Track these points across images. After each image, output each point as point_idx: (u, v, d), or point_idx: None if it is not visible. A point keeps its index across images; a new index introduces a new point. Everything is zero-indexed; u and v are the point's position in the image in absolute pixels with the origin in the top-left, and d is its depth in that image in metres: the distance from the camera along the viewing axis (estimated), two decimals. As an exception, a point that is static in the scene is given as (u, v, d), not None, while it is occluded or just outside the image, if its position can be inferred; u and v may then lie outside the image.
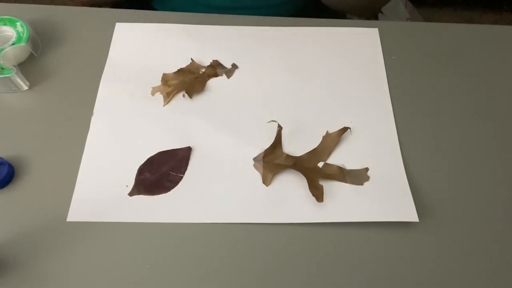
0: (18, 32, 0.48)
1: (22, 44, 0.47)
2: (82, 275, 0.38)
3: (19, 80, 0.46)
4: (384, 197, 0.42)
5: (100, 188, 0.42)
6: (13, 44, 0.47)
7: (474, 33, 0.55)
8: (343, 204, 0.41)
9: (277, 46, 0.53)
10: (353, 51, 0.52)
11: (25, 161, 0.43)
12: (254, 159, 0.44)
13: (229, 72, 0.50)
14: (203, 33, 0.53)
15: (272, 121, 0.46)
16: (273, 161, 0.44)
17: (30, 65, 0.49)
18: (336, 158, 0.44)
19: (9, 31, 0.48)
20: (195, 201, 0.41)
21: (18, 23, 0.49)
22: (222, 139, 0.45)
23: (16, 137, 0.44)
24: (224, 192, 0.42)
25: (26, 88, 0.47)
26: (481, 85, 0.51)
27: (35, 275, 0.37)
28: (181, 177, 0.43)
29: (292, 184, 0.43)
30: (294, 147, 0.45)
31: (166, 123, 0.46)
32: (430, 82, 0.51)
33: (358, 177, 0.43)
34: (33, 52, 0.49)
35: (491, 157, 0.46)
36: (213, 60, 0.51)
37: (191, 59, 0.51)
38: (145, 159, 0.43)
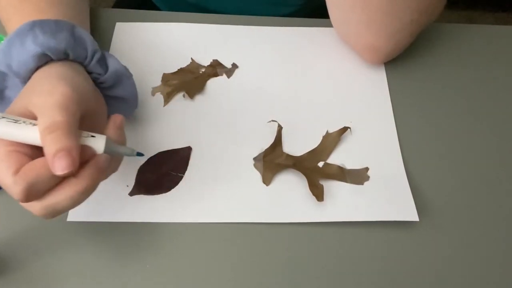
0: None
1: None
2: (82, 275, 0.38)
3: None
4: (384, 196, 0.42)
5: (100, 188, 0.41)
6: None
7: (474, 33, 0.55)
8: (343, 204, 0.41)
9: (277, 45, 0.52)
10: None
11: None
12: (254, 159, 0.44)
13: (229, 72, 0.50)
14: (203, 33, 0.53)
15: (272, 121, 0.46)
16: (273, 161, 0.44)
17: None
18: (336, 158, 0.44)
19: None
20: (195, 201, 0.41)
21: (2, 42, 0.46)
22: (222, 139, 0.45)
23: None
24: (224, 192, 0.42)
25: None
26: (482, 85, 0.51)
27: (35, 275, 0.37)
28: (181, 177, 0.43)
29: (292, 183, 0.43)
30: (294, 147, 0.45)
31: (166, 123, 0.46)
32: (430, 82, 0.51)
33: (358, 176, 0.43)
34: None
35: (491, 157, 0.46)
36: (213, 60, 0.51)
37: (191, 59, 0.51)
38: (145, 159, 0.43)
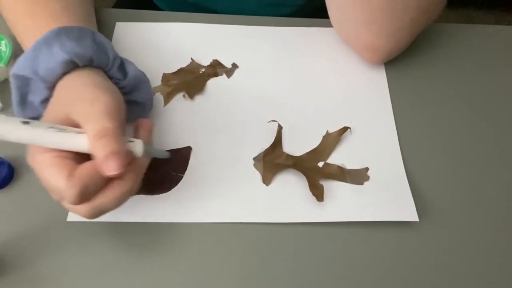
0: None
1: (1, 65, 0.44)
2: (82, 275, 0.38)
3: None
4: (384, 197, 0.42)
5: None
6: None
7: (474, 33, 0.55)
8: (343, 204, 0.41)
9: (278, 45, 0.52)
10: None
11: (25, 161, 0.42)
12: (254, 159, 0.44)
13: (229, 72, 0.50)
14: (203, 32, 0.53)
15: (272, 121, 0.46)
16: (273, 161, 0.44)
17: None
18: (336, 158, 0.44)
19: None
20: (195, 201, 0.41)
21: (2, 42, 0.45)
22: (222, 139, 0.45)
23: (16, 137, 0.44)
24: (224, 192, 0.42)
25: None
26: (482, 86, 0.51)
27: (35, 275, 0.37)
28: (181, 177, 0.43)
29: (292, 183, 0.43)
30: (294, 147, 0.45)
31: (166, 123, 0.46)
32: (430, 82, 0.51)
33: (358, 177, 0.43)
34: None
35: (491, 157, 0.46)
36: (213, 60, 0.51)
37: (191, 59, 0.51)
38: (145, 159, 0.43)
